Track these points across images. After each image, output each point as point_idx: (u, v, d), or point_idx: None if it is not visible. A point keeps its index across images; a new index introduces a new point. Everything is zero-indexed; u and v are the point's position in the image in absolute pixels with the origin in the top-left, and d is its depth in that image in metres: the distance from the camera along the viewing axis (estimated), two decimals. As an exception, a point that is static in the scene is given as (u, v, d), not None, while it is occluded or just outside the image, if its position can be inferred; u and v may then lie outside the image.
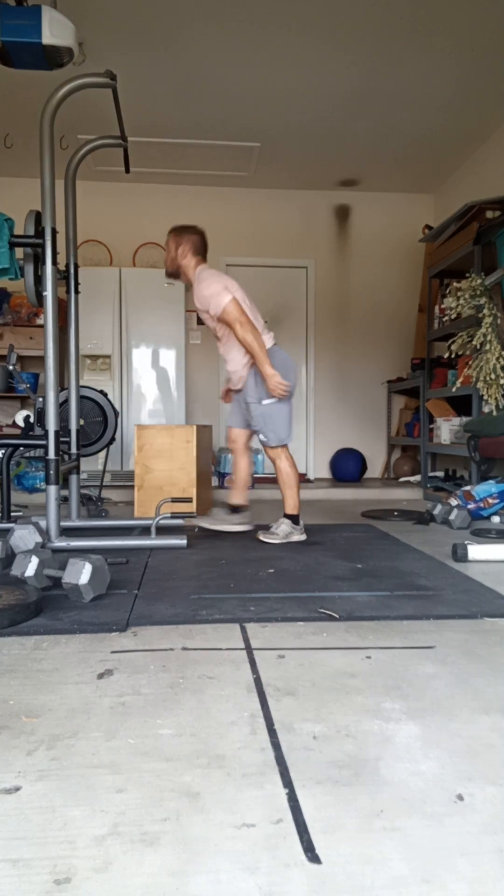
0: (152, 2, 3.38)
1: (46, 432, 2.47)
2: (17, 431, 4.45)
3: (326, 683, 1.34)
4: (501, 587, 2.10)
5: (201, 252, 3.03)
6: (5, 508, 3.23)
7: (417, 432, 5.26)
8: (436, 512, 3.54)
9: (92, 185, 5.53)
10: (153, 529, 2.80)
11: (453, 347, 4.05)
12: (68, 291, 3.30)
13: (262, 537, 2.94)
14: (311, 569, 2.37)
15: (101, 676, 1.37)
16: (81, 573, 1.86)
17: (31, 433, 3.52)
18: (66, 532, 2.67)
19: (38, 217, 2.53)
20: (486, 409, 3.92)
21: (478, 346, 3.89)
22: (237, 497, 3.20)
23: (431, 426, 4.91)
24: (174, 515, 2.93)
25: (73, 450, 3.30)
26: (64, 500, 3.27)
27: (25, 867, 0.78)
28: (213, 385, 5.77)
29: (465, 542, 2.56)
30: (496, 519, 3.61)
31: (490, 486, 3.70)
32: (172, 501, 3.16)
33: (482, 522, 3.56)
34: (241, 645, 1.57)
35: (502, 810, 0.90)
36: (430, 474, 5.03)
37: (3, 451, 3.28)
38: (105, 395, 3.96)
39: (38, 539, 2.31)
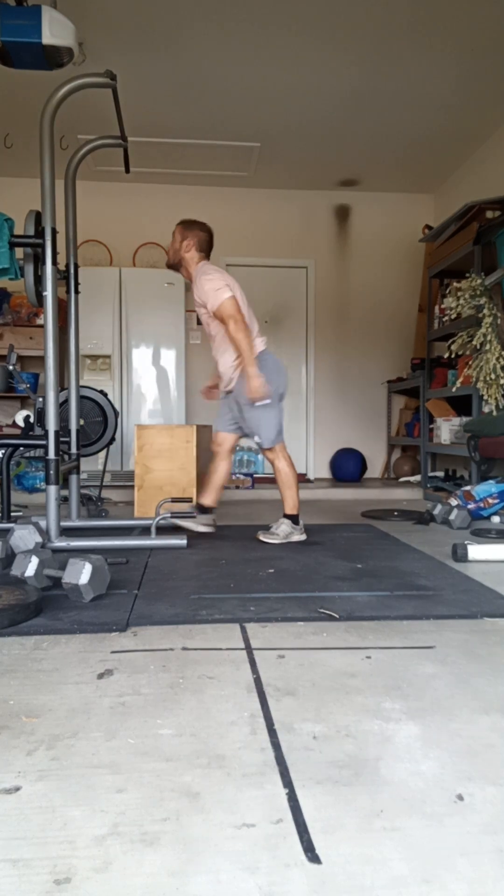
0: (152, 2, 3.38)
1: (46, 432, 2.47)
2: (17, 431, 4.45)
3: (326, 683, 1.34)
4: (501, 587, 2.10)
5: (206, 250, 3.04)
6: (5, 508, 3.23)
7: (417, 432, 5.26)
8: (436, 512, 3.54)
9: (92, 185, 5.52)
10: (153, 529, 2.80)
11: (453, 347, 4.05)
12: (68, 291, 3.30)
13: (262, 537, 2.93)
14: (311, 569, 2.37)
15: (101, 676, 1.37)
16: (81, 573, 1.86)
17: (31, 433, 3.52)
18: (66, 532, 2.67)
19: (38, 217, 2.53)
20: (486, 409, 3.92)
21: (478, 346, 3.89)
22: (208, 498, 3.18)
23: (431, 426, 4.90)
24: (174, 515, 2.92)
25: (73, 450, 3.30)
26: (64, 500, 3.27)
27: (25, 867, 0.78)
28: (213, 385, 5.76)
29: (465, 542, 2.56)
30: (496, 519, 3.61)
31: (490, 486, 3.70)
32: (172, 501, 3.15)
33: (482, 522, 3.56)
34: (241, 645, 1.57)
35: (502, 810, 0.90)
36: (430, 474, 5.03)
37: (4, 451, 3.28)
38: (105, 395, 3.96)
39: (38, 539, 2.31)
